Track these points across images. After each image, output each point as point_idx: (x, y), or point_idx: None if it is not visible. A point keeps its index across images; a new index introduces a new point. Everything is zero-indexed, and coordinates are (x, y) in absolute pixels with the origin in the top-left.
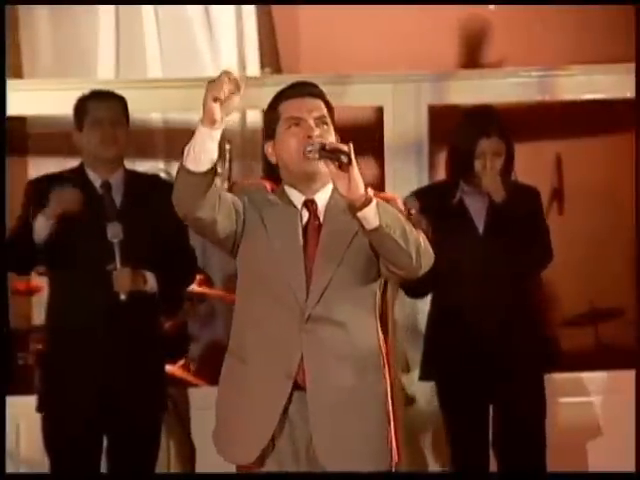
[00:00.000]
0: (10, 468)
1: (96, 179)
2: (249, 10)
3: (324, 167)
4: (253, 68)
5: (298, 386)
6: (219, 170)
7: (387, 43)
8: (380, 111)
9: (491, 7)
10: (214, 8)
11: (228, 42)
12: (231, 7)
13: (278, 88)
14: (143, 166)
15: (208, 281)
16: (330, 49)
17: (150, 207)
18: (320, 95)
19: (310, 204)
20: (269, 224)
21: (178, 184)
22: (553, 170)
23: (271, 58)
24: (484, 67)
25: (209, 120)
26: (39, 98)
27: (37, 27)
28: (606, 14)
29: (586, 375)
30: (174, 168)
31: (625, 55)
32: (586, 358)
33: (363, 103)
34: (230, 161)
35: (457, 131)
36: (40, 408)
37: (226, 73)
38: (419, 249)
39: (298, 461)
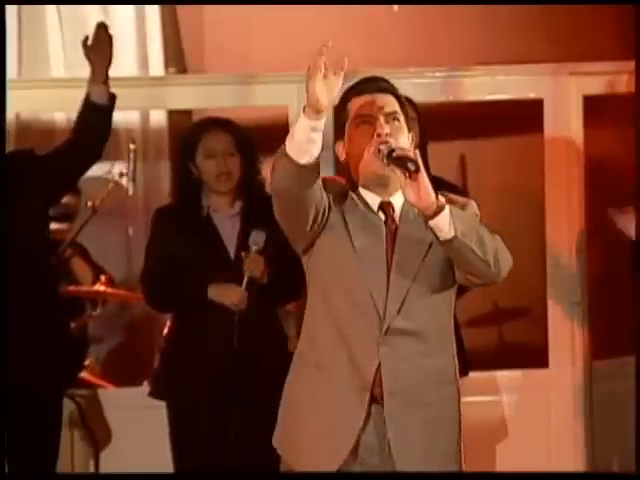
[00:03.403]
0: None
1: None
2: (153, 10)
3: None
4: (157, 68)
5: (374, 398)
6: (124, 171)
7: (292, 43)
8: (285, 111)
9: (394, 8)
10: (114, 8)
11: (129, 42)
12: (132, 7)
13: (183, 88)
14: None
15: (110, 281)
16: (235, 49)
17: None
18: (391, 90)
19: (386, 207)
20: (352, 225)
21: (281, 171)
22: (457, 171)
23: (176, 58)
24: (388, 67)
25: (315, 109)
26: None
27: None
28: (513, 13)
29: (489, 374)
30: None
31: (532, 55)
32: (490, 358)
33: (269, 103)
34: (135, 162)
35: None
36: None
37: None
38: (497, 255)
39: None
